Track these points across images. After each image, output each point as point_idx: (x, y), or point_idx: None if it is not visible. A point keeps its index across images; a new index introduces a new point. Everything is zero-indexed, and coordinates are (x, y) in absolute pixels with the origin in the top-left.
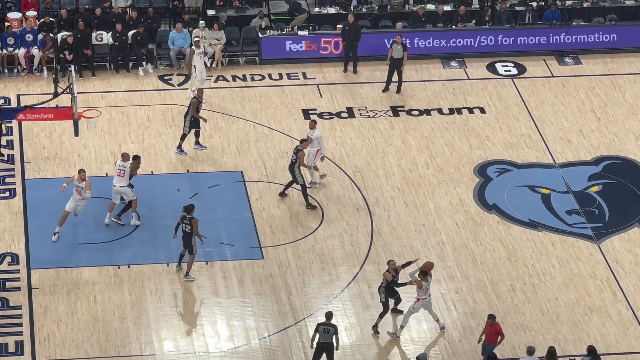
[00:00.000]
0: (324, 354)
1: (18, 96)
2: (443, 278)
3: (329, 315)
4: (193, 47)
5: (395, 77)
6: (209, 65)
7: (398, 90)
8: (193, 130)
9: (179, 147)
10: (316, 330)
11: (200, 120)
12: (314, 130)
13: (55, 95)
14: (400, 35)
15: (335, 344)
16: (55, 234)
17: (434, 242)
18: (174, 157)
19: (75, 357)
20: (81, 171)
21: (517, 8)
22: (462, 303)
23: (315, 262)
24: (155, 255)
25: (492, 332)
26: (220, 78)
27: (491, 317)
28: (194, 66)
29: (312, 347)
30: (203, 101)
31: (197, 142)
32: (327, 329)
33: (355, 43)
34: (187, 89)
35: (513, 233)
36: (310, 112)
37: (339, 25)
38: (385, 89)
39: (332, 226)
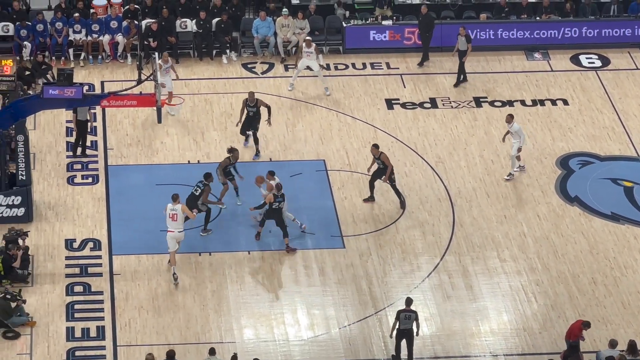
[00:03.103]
0: (404, 341)
1: (102, 83)
2: (524, 269)
3: (409, 301)
4: (303, 46)
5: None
6: (323, 65)
7: (457, 84)
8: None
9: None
10: (397, 318)
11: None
12: (511, 123)
13: (139, 82)
14: (464, 27)
15: (415, 330)
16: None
17: (515, 234)
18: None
19: (156, 343)
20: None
21: (602, 0)
22: (542, 295)
23: (396, 252)
24: (237, 242)
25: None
26: (294, 67)
27: (586, 324)
28: (308, 67)
29: (391, 336)
30: (251, 104)
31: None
32: (408, 315)
33: (427, 34)
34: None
35: (595, 225)
36: (393, 102)
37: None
38: (463, 80)
39: (413, 216)
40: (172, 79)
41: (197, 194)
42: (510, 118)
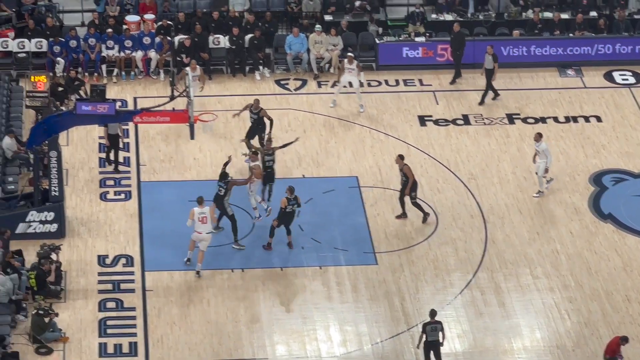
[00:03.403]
0: (432, 353)
1: (135, 99)
2: (557, 287)
3: (433, 312)
4: (345, 62)
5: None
6: (363, 82)
7: (481, 102)
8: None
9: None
10: (423, 331)
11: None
12: (539, 142)
13: (172, 98)
14: (492, 45)
15: (441, 341)
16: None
17: (548, 251)
18: (289, 161)
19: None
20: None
21: (635, 16)
22: (576, 312)
23: (428, 268)
24: (269, 259)
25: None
26: (337, 83)
27: (624, 339)
28: (350, 83)
29: (417, 347)
30: (254, 110)
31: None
32: (434, 327)
33: (458, 52)
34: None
35: (629, 243)
36: (426, 118)
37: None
38: (495, 97)
39: (446, 233)
40: (199, 89)
41: (222, 193)
42: (538, 137)
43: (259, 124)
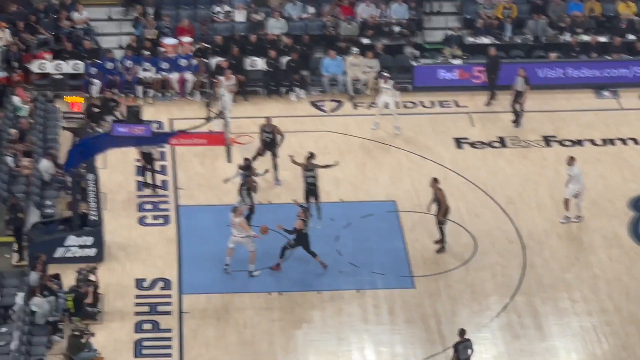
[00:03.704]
0: None
1: (171, 120)
2: (595, 311)
3: (463, 331)
4: (381, 82)
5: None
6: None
7: (517, 124)
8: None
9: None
10: (456, 350)
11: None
12: (572, 166)
13: (208, 120)
14: (524, 68)
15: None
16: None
17: (586, 276)
18: (327, 185)
19: None
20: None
21: None
22: (613, 335)
23: (466, 292)
24: (306, 282)
25: None
26: (373, 105)
27: None
28: (387, 104)
29: None
30: (267, 130)
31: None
32: (466, 345)
33: (492, 75)
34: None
35: None
36: (462, 141)
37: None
38: (516, 120)
39: (484, 257)
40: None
41: (242, 182)
42: (571, 160)
43: (273, 142)
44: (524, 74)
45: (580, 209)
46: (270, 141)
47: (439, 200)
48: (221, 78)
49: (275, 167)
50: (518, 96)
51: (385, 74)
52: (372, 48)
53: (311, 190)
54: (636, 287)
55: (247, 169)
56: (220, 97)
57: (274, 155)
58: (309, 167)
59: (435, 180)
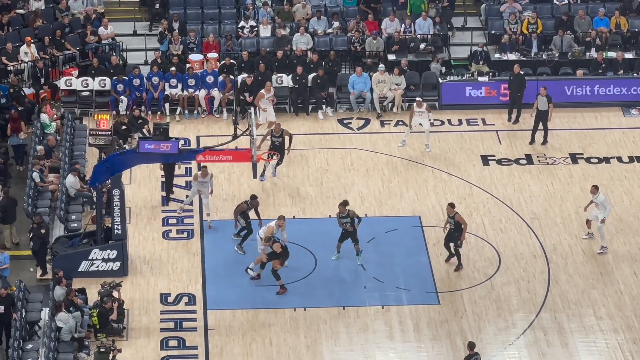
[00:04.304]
0: None
1: (198, 137)
2: (621, 327)
3: (472, 345)
4: (414, 105)
5: (540, 127)
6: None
7: (544, 141)
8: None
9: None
10: None
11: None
12: (597, 194)
13: (235, 137)
14: (545, 87)
15: None
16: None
17: (611, 291)
18: (352, 201)
19: None
20: (280, 218)
21: None
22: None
23: (491, 308)
24: (331, 298)
25: None
26: (400, 123)
27: None
28: (420, 124)
29: None
30: (277, 134)
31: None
32: (477, 359)
33: (519, 94)
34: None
35: None
36: (489, 158)
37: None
38: (532, 141)
39: (509, 272)
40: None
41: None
42: (595, 189)
43: (281, 146)
44: (545, 92)
45: (605, 238)
46: (279, 144)
47: (459, 223)
48: (262, 91)
49: (277, 164)
50: (541, 116)
51: (419, 98)
52: (398, 64)
53: (348, 233)
54: None
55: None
56: (248, 114)
57: (281, 158)
58: (343, 213)
59: (451, 206)
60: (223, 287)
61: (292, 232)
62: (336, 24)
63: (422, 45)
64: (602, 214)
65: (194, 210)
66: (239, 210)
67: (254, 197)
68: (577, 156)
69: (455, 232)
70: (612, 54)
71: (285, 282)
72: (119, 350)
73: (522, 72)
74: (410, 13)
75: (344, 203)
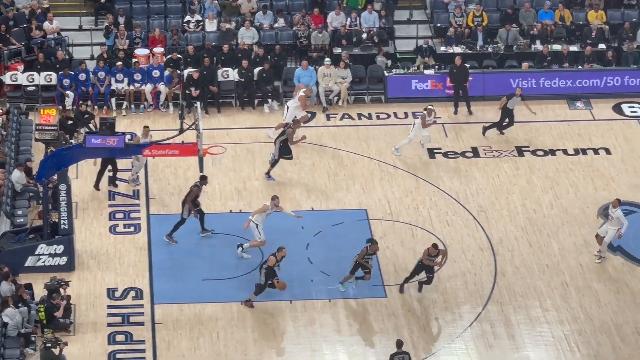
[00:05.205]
0: None
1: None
2: (566, 319)
3: (400, 343)
4: (424, 114)
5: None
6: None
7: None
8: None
9: (268, 173)
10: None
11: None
12: (617, 208)
13: (181, 131)
14: (521, 88)
15: None
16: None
17: (557, 283)
18: (298, 194)
19: None
20: (274, 198)
21: None
22: (585, 345)
23: (438, 301)
24: (278, 292)
25: None
26: (346, 116)
27: None
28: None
29: None
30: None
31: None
32: (402, 357)
33: (464, 84)
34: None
35: (638, 275)
36: (435, 151)
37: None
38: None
39: (455, 265)
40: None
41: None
42: (617, 202)
43: (287, 142)
44: (520, 92)
45: (604, 251)
46: (283, 144)
47: (444, 257)
48: (302, 94)
49: (274, 163)
50: (508, 114)
51: (430, 107)
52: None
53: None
54: (606, 294)
55: (203, 179)
56: (194, 108)
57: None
58: (367, 260)
59: (434, 247)
60: (170, 281)
61: (239, 226)
62: (281, 20)
63: (364, 36)
64: (613, 230)
65: (140, 204)
66: (193, 194)
67: (203, 177)
68: (523, 149)
69: (428, 272)
70: (557, 47)
71: (232, 276)
72: (65, 344)
73: (466, 65)
74: (346, 5)
75: (374, 241)
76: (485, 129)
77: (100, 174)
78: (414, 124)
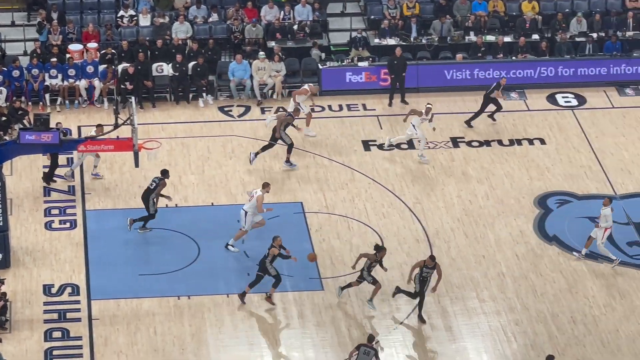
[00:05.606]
0: None
1: (79, 127)
2: (503, 309)
3: (371, 337)
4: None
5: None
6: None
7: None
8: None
9: (287, 160)
10: (357, 349)
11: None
12: (608, 206)
13: (116, 126)
14: (505, 77)
15: None
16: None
17: (494, 274)
18: (233, 188)
19: None
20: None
21: (577, 39)
22: (522, 335)
23: None
24: (215, 286)
25: None
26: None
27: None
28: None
29: None
30: (297, 125)
31: (256, 153)
32: (367, 351)
33: (403, 74)
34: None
35: (573, 264)
36: (370, 143)
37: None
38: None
39: (392, 257)
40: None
41: (152, 187)
42: (608, 201)
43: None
44: (504, 82)
45: (609, 253)
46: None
47: (438, 274)
48: (307, 87)
49: (264, 149)
50: (492, 100)
51: (429, 105)
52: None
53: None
54: (542, 284)
55: (164, 173)
56: (129, 103)
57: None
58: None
59: (432, 258)
60: (106, 277)
61: (174, 220)
62: (214, 15)
63: (295, 27)
64: (601, 229)
65: (76, 200)
66: (161, 187)
67: (165, 172)
68: (458, 140)
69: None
70: (490, 38)
71: (168, 271)
72: (0, 341)
73: (404, 55)
74: None
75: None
76: (469, 121)
77: (52, 169)
78: (414, 123)
